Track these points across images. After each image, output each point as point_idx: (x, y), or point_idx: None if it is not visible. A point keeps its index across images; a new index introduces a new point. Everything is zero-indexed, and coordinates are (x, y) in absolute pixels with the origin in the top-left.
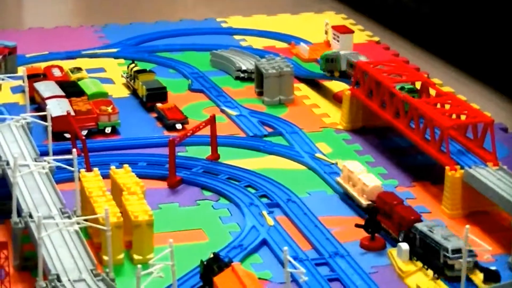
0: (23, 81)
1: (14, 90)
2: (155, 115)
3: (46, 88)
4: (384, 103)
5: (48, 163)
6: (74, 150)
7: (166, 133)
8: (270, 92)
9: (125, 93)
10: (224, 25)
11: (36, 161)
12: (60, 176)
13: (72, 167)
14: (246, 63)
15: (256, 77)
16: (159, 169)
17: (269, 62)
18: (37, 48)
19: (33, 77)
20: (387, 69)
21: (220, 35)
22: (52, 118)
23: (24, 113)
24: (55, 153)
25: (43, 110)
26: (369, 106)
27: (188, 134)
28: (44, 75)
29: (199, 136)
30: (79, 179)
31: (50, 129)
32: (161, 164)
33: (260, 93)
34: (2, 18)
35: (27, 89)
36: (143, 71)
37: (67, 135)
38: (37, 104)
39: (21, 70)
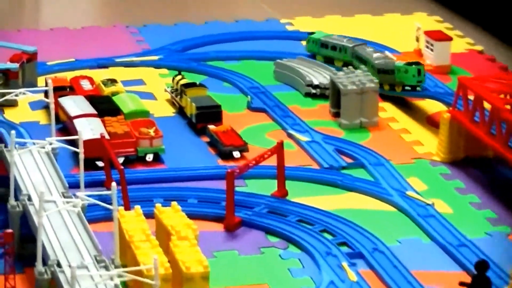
0: (46, 95)
1: (34, 105)
2: (207, 139)
3: (73, 104)
4: (493, 129)
5: (82, 200)
6: (113, 183)
7: (221, 162)
8: (349, 113)
9: (170, 111)
10: (289, 27)
11: (64, 196)
12: (91, 215)
13: (108, 203)
14: (319, 77)
15: (332, 94)
16: (213, 208)
17: (347, 75)
18: (61, 53)
19: (58, 90)
20: (496, 86)
21: (285, 40)
22: (84, 143)
23: (48, 135)
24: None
25: (69, 131)
26: (474, 132)
27: (251, 164)
28: (70, 88)
29: (262, 167)
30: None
31: (82, 156)
32: (216, 201)
33: (337, 114)
34: (18, 16)
35: (52, 106)
36: (192, 84)
37: (100, 163)
38: (62, 123)
39: (43, 82)
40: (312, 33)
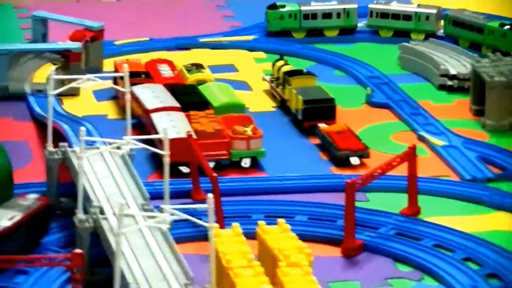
0: (114, 82)
1: (99, 95)
2: (317, 141)
3: (150, 94)
4: None
5: (168, 214)
6: (209, 195)
7: (335, 170)
8: (495, 112)
9: (269, 105)
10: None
11: (145, 209)
12: (176, 232)
13: (199, 219)
14: (457, 65)
15: (473, 87)
16: (328, 227)
17: (494, 64)
18: (132, 31)
19: (130, 77)
20: None
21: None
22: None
23: (119, 133)
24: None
25: (145, 128)
26: None
27: (375, 174)
28: (146, 75)
29: (388, 177)
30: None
31: (167, 160)
32: (331, 219)
33: (480, 112)
34: None
35: (128, 96)
36: (297, 72)
37: (184, 169)
38: (135, 118)
39: (110, 66)
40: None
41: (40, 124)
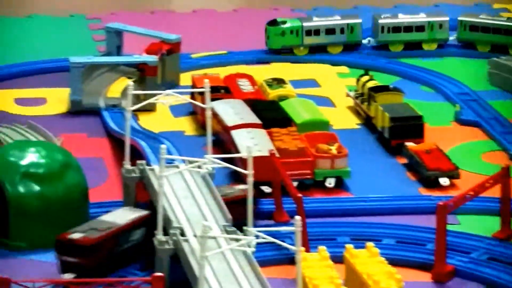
0: (192, 97)
1: (176, 110)
2: (404, 160)
3: (230, 110)
4: None
5: (253, 237)
6: (298, 217)
7: (423, 191)
8: None
9: (353, 122)
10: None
11: (227, 231)
12: (260, 256)
13: (282, 241)
14: None
15: None
16: (417, 251)
17: None
18: (209, 43)
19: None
20: None
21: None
22: (244, 161)
23: (197, 150)
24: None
25: (224, 145)
26: None
27: (467, 196)
28: (225, 90)
29: (480, 199)
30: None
31: (251, 180)
32: (419, 243)
33: None
34: None
35: (209, 113)
36: (383, 88)
37: (266, 189)
38: (215, 135)
39: (187, 80)
40: None
41: (115, 140)
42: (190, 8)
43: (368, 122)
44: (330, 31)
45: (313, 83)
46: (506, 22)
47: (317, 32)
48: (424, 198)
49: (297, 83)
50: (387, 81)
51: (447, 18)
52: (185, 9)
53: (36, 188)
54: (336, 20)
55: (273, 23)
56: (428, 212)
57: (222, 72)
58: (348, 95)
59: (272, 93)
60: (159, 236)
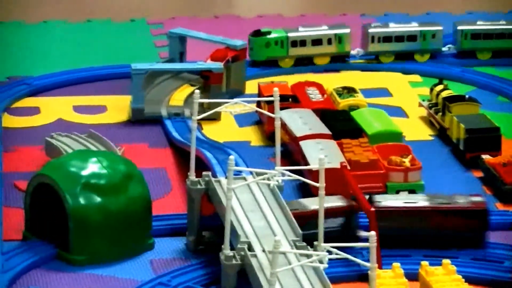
0: (258, 106)
1: (241, 120)
2: (480, 174)
3: (298, 120)
4: None
5: (325, 252)
6: (372, 233)
7: (501, 206)
8: None
9: (426, 133)
10: None
11: (297, 247)
12: (328, 272)
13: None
14: None
15: None
16: (494, 269)
17: None
18: None
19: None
20: None
21: None
22: (314, 173)
23: (264, 161)
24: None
25: (292, 156)
26: None
27: None
28: (293, 99)
29: None
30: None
31: (323, 194)
32: (496, 260)
33: None
34: (210, 2)
35: (278, 123)
36: (458, 98)
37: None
38: (282, 145)
39: (252, 88)
40: None
41: (177, 150)
42: (255, 12)
43: (442, 134)
44: (316, 42)
45: (384, 92)
46: (508, 25)
47: (303, 43)
48: (501, 214)
49: (368, 92)
50: (462, 91)
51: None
52: (250, 14)
53: (98, 199)
54: (323, 31)
55: (256, 33)
56: (505, 228)
57: (290, 80)
58: (421, 105)
59: (343, 103)
60: (226, 251)
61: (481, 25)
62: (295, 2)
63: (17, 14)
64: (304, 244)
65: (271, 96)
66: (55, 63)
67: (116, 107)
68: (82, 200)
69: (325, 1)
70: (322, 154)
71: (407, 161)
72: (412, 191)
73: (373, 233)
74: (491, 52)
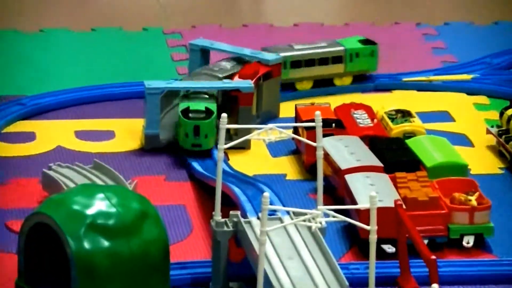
0: (295, 132)
1: (275, 149)
2: None
3: (343, 149)
4: None
5: None
6: (435, 286)
7: None
8: None
9: (495, 166)
10: None
11: None
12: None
13: None
14: None
15: None
16: None
17: None
18: None
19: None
20: None
21: None
22: (363, 213)
23: (302, 198)
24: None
25: (337, 192)
26: None
27: None
28: (337, 123)
29: None
30: None
31: (374, 238)
32: None
33: None
34: (240, 4)
35: (321, 152)
36: None
37: (389, 248)
38: (324, 179)
39: (288, 111)
40: None
41: (200, 184)
42: (292, 21)
43: None
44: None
45: (445, 116)
46: (329, 48)
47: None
48: None
49: (425, 116)
50: None
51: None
52: (285, 23)
53: (106, 243)
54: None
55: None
56: None
57: (332, 101)
58: (489, 132)
59: (396, 129)
60: None
61: (300, 50)
62: (339, 9)
63: (11, 22)
64: None
65: (312, 120)
66: (54, 80)
67: (127, 132)
68: (87, 244)
69: (375, 7)
70: (373, 191)
71: (473, 199)
72: (479, 235)
73: (435, 286)
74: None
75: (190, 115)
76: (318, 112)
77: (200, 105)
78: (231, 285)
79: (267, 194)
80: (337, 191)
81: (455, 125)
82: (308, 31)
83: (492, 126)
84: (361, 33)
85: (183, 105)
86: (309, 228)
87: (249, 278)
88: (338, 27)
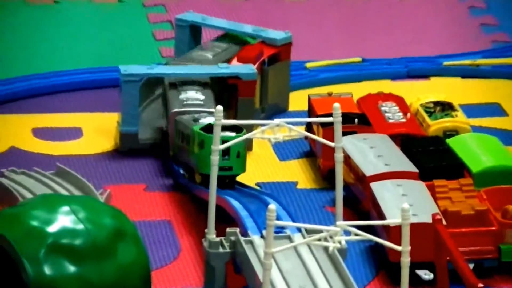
0: (308, 129)
1: (283, 150)
2: None
3: (368, 151)
4: None
5: None
6: None
7: None
8: None
9: None
10: None
11: None
12: None
13: None
14: None
15: None
16: None
17: None
18: (332, 47)
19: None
20: None
21: None
22: (393, 230)
23: (321, 212)
24: None
25: (359, 203)
26: None
27: None
28: (360, 118)
29: None
30: None
31: (407, 262)
32: None
33: None
34: None
35: (341, 155)
36: None
37: (426, 274)
38: (344, 188)
39: (300, 101)
40: None
41: (188, 194)
42: None
43: None
44: None
45: (496, 109)
46: None
47: None
48: None
49: (471, 110)
50: None
51: None
52: None
53: (71, 269)
54: None
55: None
56: None
57: (355, 91)
58: None
59: (435, 125)
60: None
61: None
62: None
63: None
64: None
65: (329, 115)
66: (8, 65)
67: (97, 130)
68: (48, 270)
69: None
70: (405, 203)
71: None
72: None
73: None
74: None
75: None
76: (337, 105)
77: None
78: None
79: (273, 206)
80: (361, 204)
81: (508, 121)
82: (324, 5)
83: None
84: (377, 6)
85: (199, 126)
86: (326, 249)
87: None
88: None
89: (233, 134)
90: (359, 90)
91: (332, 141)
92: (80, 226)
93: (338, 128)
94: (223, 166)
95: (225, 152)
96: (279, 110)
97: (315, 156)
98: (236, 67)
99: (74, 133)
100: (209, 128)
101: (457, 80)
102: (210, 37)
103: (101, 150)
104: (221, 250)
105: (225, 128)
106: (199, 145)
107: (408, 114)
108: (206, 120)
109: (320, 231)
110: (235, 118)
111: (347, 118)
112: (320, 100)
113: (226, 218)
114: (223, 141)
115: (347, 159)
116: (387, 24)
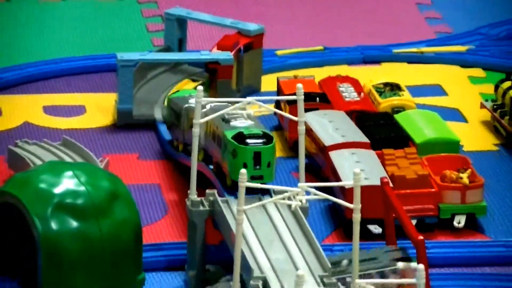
0: (277, 106)
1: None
2: None
3: (328, 125)
4: None
5: None
6: (420, 266)
7: None
8: None
9: (489, 142)
10: None
11: (325, 284)
12: None
13: None
14: None
15: None
16: None
17: None
18: (299, 36)
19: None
20: None
21: None
22: (348, 191)
23: (287, 177)
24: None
25: (320, 170)
26: None
27: None
28: (321, 98)
29: None
30: None
31: (358, 218)
32: None
33: None
34: None
35: (303, 127)
36: None
37: (375, 229)
38: (307, 157)
39: (270, 84)
40: None
41: (174, 162)
42: None
43: (509, 142)
44: None
45: (437, 89)
46: None
47: None
48: None
49: (416, 90)
50: None
51: None
52: None
53: (74, 224)
54: None
55: None
56: None
57: (317, 74)
58: (483, 107)
59: (384, 103)
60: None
61: None
62: None
63: None
64: (334, 280)
65: (294, 94)
66: (21, 53)
67: (98, 108)
68: (54, 225)
69: None
70: (358, 168)
71: (465, 177)
72: (471, 215)
73: (421, 266)
74: None
75: (248, 141)
76: (299, 85)
77: (254, 129)
78: (208, 268)
79: (244, 171)
80: (322, 171)
81: (448, 99)
82: (291, 1)
83: (486, 100)
84: (338, 2)
85: (231, 131)
86: (289, 206)
87: (227, 262)
88: None
89: (262, 141)
90: (321, 73)
91: (297, 116)
92: (82, 188)
93: (301, 105)
94: (254, 175)
95: (257, 162)
96: (253, 90)
97: (283, 129)
98: (215, 54)
99: (78, 110)
100: (240, 136)
101: (405, 65)
102: (195, 29)
103: (101, 125)
104: (201, 208)
105: (253, 136)
106: (231, 153)
107: (362, 94)
108: (237, 123)
109: (285, 191)
110: (215, 96)
111: (310, 97)
112: (287, 82)
113: (208, 184)
114: (255, 152)
115: (310, 132)
116: (346, 18)
